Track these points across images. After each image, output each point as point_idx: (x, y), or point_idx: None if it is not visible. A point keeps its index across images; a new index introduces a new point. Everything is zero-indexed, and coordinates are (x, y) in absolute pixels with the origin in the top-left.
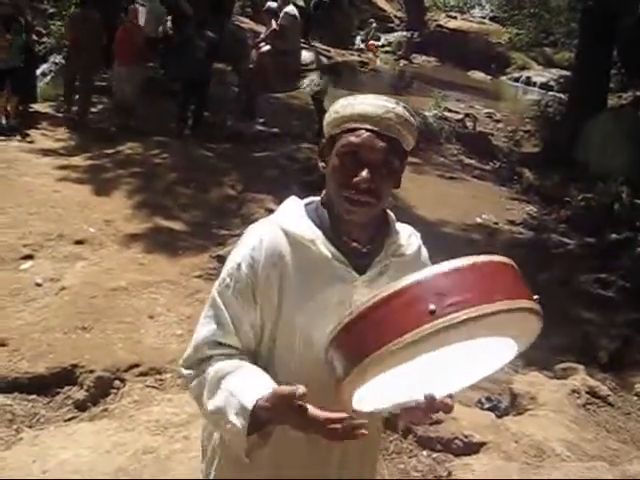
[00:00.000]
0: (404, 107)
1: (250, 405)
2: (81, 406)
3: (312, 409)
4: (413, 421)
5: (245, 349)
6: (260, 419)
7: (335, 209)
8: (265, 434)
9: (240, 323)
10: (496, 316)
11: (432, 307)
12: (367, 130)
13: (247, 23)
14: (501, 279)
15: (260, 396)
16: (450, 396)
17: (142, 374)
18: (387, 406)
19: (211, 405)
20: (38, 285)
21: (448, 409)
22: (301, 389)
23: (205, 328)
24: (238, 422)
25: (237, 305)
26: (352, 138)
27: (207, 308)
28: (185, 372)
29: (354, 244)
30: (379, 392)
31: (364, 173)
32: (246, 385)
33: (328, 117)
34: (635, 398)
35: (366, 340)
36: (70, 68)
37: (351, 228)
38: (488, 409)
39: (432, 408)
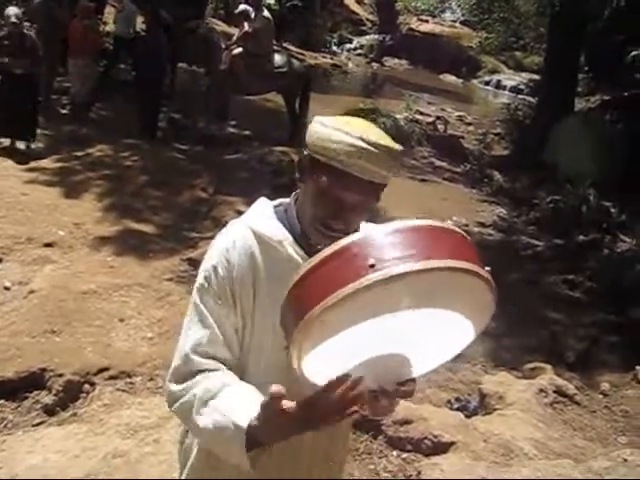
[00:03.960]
0: (393, 149)
1: (244, 425)
2: (50, 410)
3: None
4: (376, 413)
5: (230, 356)
6: (255, 437)
7: (306, 227)
8: (264, 448)
9: (224, 327)
10: (436, 274)
11: (372, 261)
12: (349, 175)
13: (219, 25)
14: (445, 242)
15: (253, 415)
16: (413, 380)
17: (112, 377)
18: None
19: (202, 425)
20: (6, 289)
21: (409, 395)
22: (274, 388)
23: (192, 336)
24: (235, 443)
25: (218, 308)
26: (333, 179)
27: (190, 315)
28: (173, 388)
29: (321, 247)
30: (339, 369)
31: (339, 217)
32: (236, 403)
33: (314, 137)
34: (601, 397)
35: (308, 299)
36: None
37: None
38: (457, 409)
39: (395, 394)
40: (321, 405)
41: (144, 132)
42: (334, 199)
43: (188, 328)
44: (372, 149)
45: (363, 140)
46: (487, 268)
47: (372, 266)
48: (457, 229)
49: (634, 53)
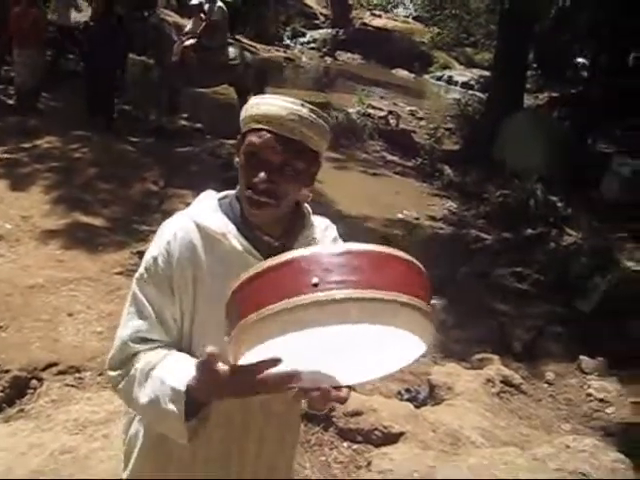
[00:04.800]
0: (311, 109)
1: (183, 387)
2: None
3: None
4: (311, 406)
5: (170, 341)
6: (195, 400)
7: (243, 204)
8: (202, 418)
9: (163, 316)
10: (377, 304)
11: (315, 280)
12: (268, 131)
13: (172, 16)
14: (397, 273)
15: (190, 377)
16: (349, 387)
17: (60, 373)
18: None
19: (143, 398)
20: None
21: (342, 401)
22: (209, 348)
23: (129, 325)
24: (174, 408)
25: (158, 299)
26: (254, 138)
27: (129, 305)
28: (112, 374)
29: (266, 238)
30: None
31: (262, 174)
32: (175, 370)
33: (242, 114)
34: (546, 386)
35: (248, 304)
36: None
37: (263, 222)
38: (407, 400)
39: (325, 397)
40: (246, 378)
41: (94, 123)
42: (260, 159)
43: (126, 318)
44: (297, 108)
45: (288, 102)
46: (433, 301)
47: (315, 285)
48: (408, 257)
49: (580, 60)
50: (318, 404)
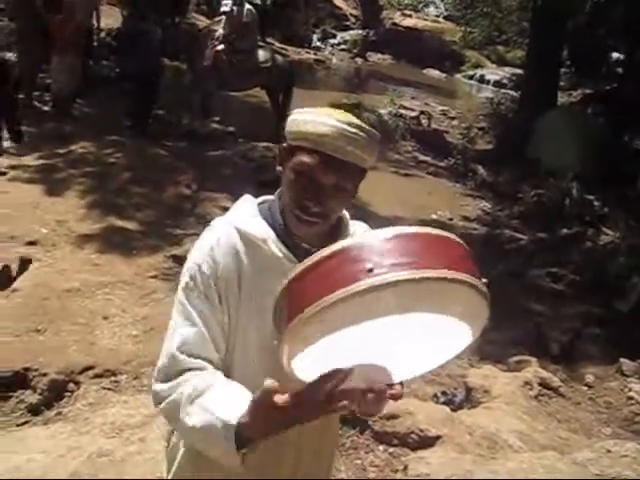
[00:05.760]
0: (364, 129)
1: (234, 422)
2: (34, 410)
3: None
4: (365, 412)
5: (218, 357)
6: (244, 433)
7: (286, 217)
8: (253, 447)
9: (211, 325)
10: (433, 283)
11: (370, 266)
12: (323, 154)
13: (202, 21)
14: (445, 252)
15: (242, 413)
16: (400, 383)
17: (97, 376)
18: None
19: (191, 425)
20: None
21: (397, 397)
22: (268, 382)
23: (178, 335)
24: (225, 442)
25: (205, 307)
26: (305, 158)
27: (176, 314)
28: (157, 388)
29: (305, 245)
30: (329, 367)
31: (313, 198)
32: (225, 401)
33: (290, 124)
34: (585, 388)
35: (302, 299)
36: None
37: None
38: (443, 403)
39: (380, 399)
40: (310, 399)
41: (134, 129)
42: (312, 181)
43: (174, 327)
44: (353, 130)
45: (343, 122)
46: (484, 280)
47: (370, 270)
48: (455, 237)
49: (615, 56)
50: (372, 407)
